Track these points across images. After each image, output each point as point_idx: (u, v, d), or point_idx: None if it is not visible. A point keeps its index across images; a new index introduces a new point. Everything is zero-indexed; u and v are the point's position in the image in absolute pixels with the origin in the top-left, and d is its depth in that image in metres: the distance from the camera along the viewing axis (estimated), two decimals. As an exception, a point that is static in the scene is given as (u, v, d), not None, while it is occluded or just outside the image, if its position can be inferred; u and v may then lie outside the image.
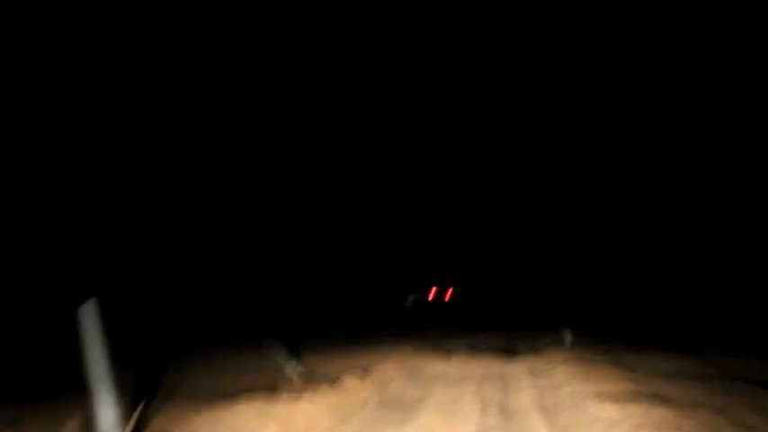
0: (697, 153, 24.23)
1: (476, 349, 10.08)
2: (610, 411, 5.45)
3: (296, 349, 8.86)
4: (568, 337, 10.87)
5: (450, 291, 40.12)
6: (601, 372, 7.66)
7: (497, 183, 34.72)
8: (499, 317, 22.65)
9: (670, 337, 10.24)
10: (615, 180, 28.77)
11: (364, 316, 18.33)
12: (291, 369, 8.04)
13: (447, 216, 36.81)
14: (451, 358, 9.40)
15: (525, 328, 16.49)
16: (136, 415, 5.29)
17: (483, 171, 35.27)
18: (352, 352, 9.95)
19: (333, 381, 7.20)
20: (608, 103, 28.09)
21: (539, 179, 33.29)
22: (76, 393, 4.89)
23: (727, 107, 23.66)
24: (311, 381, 7.32)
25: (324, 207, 31.10)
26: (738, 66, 23.05)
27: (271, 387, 6.88)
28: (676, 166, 25.67)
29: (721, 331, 9.65)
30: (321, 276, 29.25)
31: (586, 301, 22.18)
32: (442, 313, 20.60)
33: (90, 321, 4.38)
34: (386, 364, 8.73)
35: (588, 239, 28.86)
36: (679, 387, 6.84)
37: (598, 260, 25.54)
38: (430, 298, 38.09)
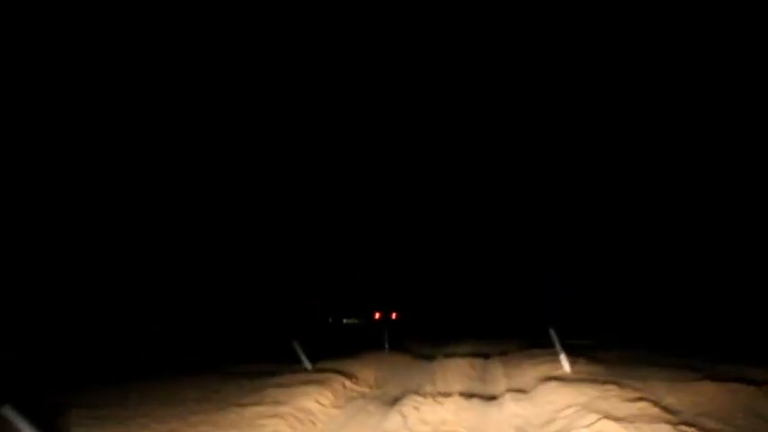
0: (697, 155, 23.84)
1: (442, 395, 6.46)
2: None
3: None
4: (566, 363, 7.40)
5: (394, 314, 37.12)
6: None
7: (497, 184, 35.09)
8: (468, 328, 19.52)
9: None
10: (617, 181, 29.05)
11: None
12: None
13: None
14: (390, 418, 5.66)
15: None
16: None
17: (483, 172, 35.71)
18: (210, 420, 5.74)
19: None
20: (606, 108, 28.75)
21: (539, 180, 33.62)
22: None
23: (727, 108, 23.41)
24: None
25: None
26: (738, 67, 22.88)
27: None
28: (677, 168, 25.12)
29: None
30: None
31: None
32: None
33: None
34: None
35: (589, 240, 28.14)
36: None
37: (599, 261, 23.89)
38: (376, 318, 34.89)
